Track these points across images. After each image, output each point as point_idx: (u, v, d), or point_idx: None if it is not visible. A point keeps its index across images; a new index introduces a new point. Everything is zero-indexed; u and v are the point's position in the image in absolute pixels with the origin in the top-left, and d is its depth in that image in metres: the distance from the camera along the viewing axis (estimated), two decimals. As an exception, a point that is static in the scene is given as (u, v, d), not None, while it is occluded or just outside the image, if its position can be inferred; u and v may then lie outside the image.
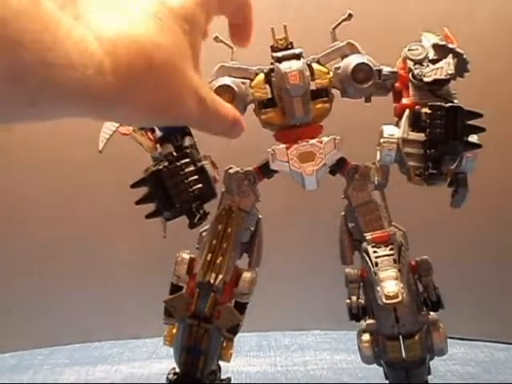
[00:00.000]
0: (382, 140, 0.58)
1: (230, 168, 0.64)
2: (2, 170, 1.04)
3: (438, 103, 0.57)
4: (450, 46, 0.60)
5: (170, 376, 0.64)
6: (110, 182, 1.01)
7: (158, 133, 0.61)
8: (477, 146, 0.58)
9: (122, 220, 1.01)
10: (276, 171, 0.62)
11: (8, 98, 0.32)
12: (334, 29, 0.61)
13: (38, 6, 0.32)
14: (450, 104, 0.57)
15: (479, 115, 0.57)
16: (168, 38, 0.41)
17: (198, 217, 0.60)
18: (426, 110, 0.57)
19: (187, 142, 0.61)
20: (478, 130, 0.57)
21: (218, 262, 0.60)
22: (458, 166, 0.57)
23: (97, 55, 0.36)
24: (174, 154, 0.60)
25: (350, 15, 0.60)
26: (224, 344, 0.63)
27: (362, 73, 0.60)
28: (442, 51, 0.60)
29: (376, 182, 0.61)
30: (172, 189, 0.59)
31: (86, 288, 1.05)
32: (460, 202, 0.60)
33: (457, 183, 0.59)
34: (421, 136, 0.57)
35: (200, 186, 0.60)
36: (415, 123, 0.58)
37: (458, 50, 0.60)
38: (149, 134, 0.61)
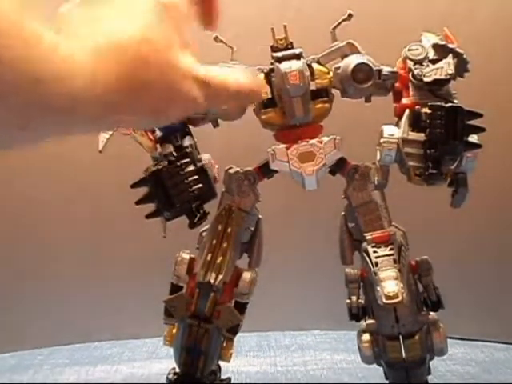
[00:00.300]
0: (381, 140, 0.58)
1: (230, 168, 0.64)
2: (2, 171, 1.04)
3: (438, 103, 0.57)
4: (450, 46, 0.60)
5: (170, 376, 0.64)
6: (110, 183, 1.01)
7: (158, 133, 0.61)
8: (477, 145, 0.58)
9: (122, 220, 1.01)
10: (276, 171, 0.62)
11: None
12: (333, 29, 0.61)
13: (20, 24, 0.31)
14: (450, 104, 0.57)
15: (479, 115, 0.57)
16: (158, 34, 0.40)
17: (198, 217, 0.59)
18: (425, 110, 0.57)
19: (187, 141, 0.61)
20: (478, 129, 0.57)
21: (218, 261, 0.60)
22: (458, 166, 0.57)
23: (86, 67, 0.35)
24: (174, 153, 0.60)
25: (350, 15, 0.60)
26: (224, 344, 0.63)
27: (362, 73, 0.60)
28: (442, 51, 0.60)
29: (376, 182, 0.61)
30: (172, 189, 0.59)
31: (86, 288, 1.05)
32: (460, 202, 0.60)
33: (457, 183, 0.59)
34: (421, 136, 0.57)
35: (200, 186, 0.59)
36: (415, 123, 0.58)
37: (457, 49, 0.60)
38: (149, 134, 0.61)
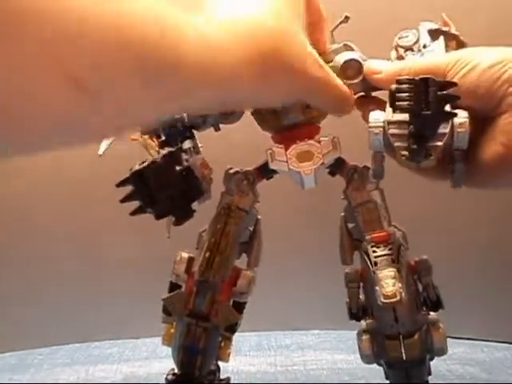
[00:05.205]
0: (369, 126, 0.56)
1: (230, 169, 0.64)
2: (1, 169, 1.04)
3: (406, 77, 0.53)
4: (444, 28, 0.60)
5: (169, 377, 0.64)
6: (110, 182, 1.01)
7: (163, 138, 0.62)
8: (451, 114, 0.53)
9: (122, 220, 1.01)
10: (275, 171, 0.62)
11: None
12: (332, 31, 0.62)
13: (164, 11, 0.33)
14: (420, 76, 0.53)
15: (453, 84, 0.53)
16: (284, 12, 0.44)
17: (182, 214, 0.59)
18: (395, 85, 0.53)
19: (187, 144, 0.61)
20: (451, 98, 0.52)
21: (216, 260, 0.60)
22: (448, 143, 0.54)
23: (232, 55, 0.37)
24: (158, 153, 0.60)
25: (347, 17, 0.61)
26: (222, 343, 0.63)
27: (352, 69, 0.60)
28: (436, 35, 0.60)
29: (372, 172, 0.60)
30: (154, 186, 0.58)
31: (86, 287, 1.05)
32: (460, 179, 0.56)
33: (453, 160, 0.55)
34: (405, 116, 0.53)
35: (183, 183, 0.59)
36: (391, 102, 0.54)
37: (452, 31, 0.60)
38: (154, 138, 0.61)
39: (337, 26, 0.62)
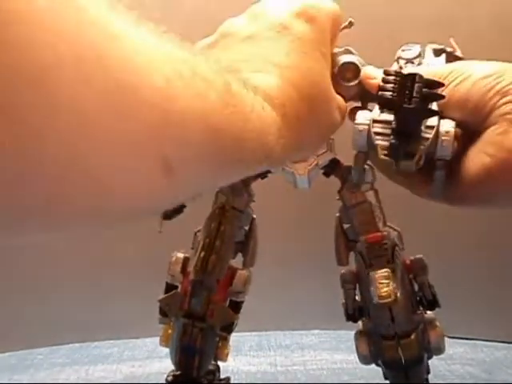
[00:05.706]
0: (354, 123, 0.56)
1: (225, 168, 0.64)
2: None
3: (394, 69, 0.53)
4: (448, 49, 0.60)
5: (170, 378, 0.64)
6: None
7: None
8: (433, 112, 0.52)
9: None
10: (270, 171, 0.62)
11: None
12: None
13: (231, 93, 0.33)
14: (408, 71, 0.53)
15: (440, 84, 0.52)
16: (313, 65, 0.46)
17: (172, 209, 0.59)
18: (383, 76, 0.52)
19: None
20: (436, 96, 0.51)
21: (211, 259, 0.60)
22: (430, 151, 0.53)
23: (273, 120, 0.38)
24: None
25: (351, 23, 0.60)
26: (219, 343, 0.63)
27: (349, 72, 0.59)
28: (439, 53, 0.60)
29: (352, 172, 0.59)
30: None
31: (86, 287, 1.05)
32: (439, 188, 0.55)
33: (434, 168, 0.54)
34: (391, 116, 0.52)
35: None
36: (379, 97, 0.53)
37: (457, 54, 0.60)
38: None
39: (340, 30, 0.61)
